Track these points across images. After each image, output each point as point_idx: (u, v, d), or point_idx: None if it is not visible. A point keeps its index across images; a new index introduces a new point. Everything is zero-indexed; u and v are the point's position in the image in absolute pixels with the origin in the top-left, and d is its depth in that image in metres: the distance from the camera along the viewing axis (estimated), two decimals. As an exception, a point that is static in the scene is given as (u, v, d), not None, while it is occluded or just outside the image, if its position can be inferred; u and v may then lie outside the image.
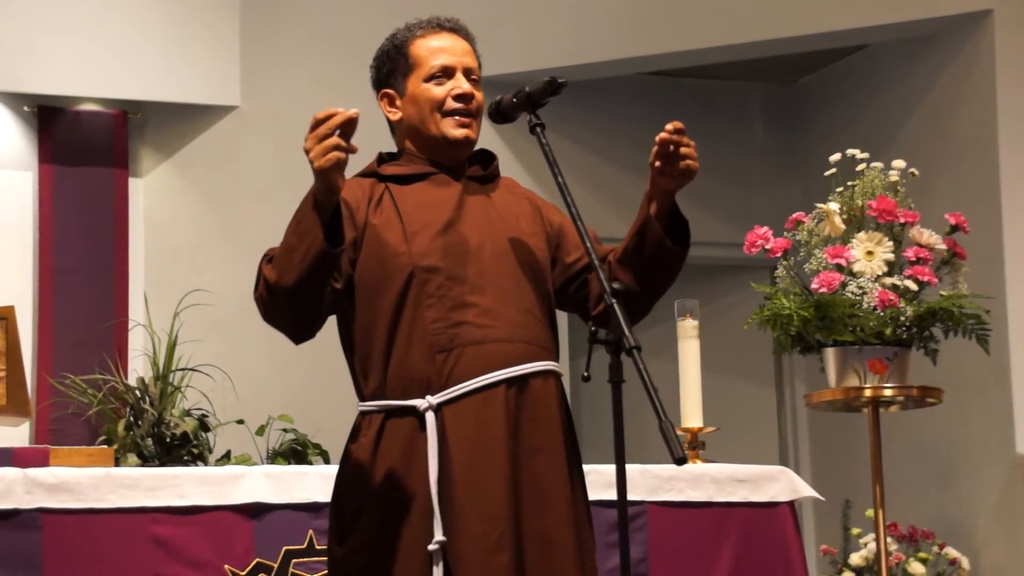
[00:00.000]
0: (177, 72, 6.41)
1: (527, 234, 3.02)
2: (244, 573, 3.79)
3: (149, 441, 4.42)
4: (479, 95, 3.04)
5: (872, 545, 5.63)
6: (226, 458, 4.70)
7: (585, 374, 2.67)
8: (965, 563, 5.78)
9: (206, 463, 4.49)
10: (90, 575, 3.68)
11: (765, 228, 4.65)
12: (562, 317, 3.16)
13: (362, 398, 2.96)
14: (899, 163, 4.73)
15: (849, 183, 4.70)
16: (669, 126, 2.89)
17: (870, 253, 4.55)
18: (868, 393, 4.54)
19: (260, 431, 4.92)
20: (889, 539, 5.65)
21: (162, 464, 4.33)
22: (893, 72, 6.84)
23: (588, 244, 2.83)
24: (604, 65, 6.65)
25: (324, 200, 2.74)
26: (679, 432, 4.30)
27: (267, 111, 6.49)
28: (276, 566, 3.82)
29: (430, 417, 2.86)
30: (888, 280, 4.53)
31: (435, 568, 2.81)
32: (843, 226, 4.61)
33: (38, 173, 6.25)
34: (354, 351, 2.97)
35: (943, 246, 4.62)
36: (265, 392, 5.77)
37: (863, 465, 5.09)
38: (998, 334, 5.19)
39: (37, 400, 5.85)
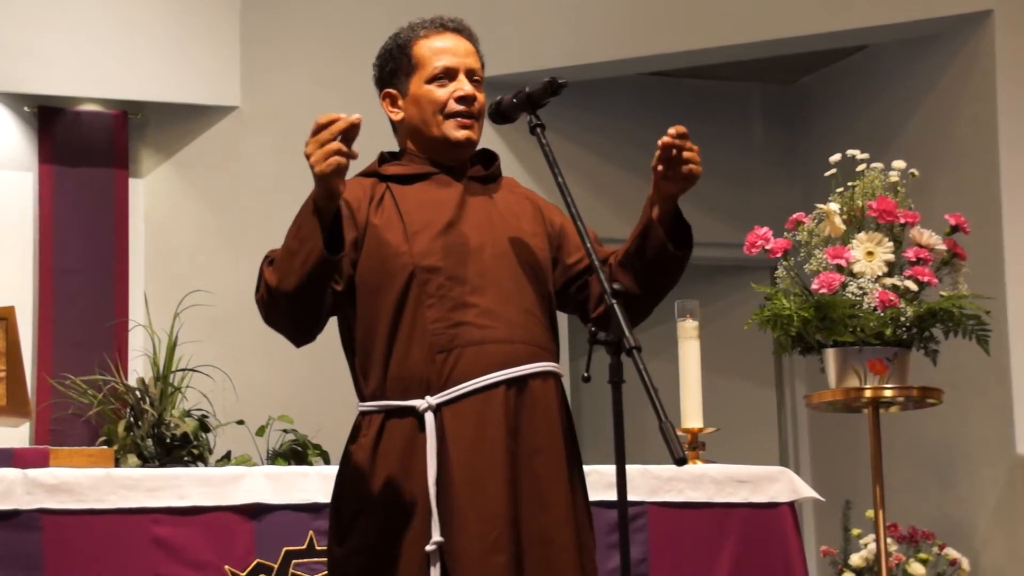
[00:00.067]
0: (177, 72, 6.41)
1: (528, 234, 3.02)
2: (244, 574, 3.79)
3: (149, 442, 4.41)
4: (481, 96, 3.04)
5: (872, 546, 5.63)
6: (226, 459, 4.70)
7: (585, 374, 2.68)
8: (965, 564, 5.78)
9: (206, 464, 4.49)
10: (90, 576, 3.69)
11: (765, 229, 4.65)
12: (562, 318, 3.16)
13: (362, 398, 2.96)
14: (899, 164, 4.74)
15: (849, 183, 4.70)
16: (672, 130, 2.88)
17: (870, 254, 4.55)
18: (868, 394, 4.54)
19: (260, 432, 4.92)
20: (889, 540, 5.65)
21: (162, 465, 4.33)
22: (893, 73, 6.84)
23: (588, 245, 2.83)
24: (604, 65, 6.65)
25: (324, 205, 2.74)
26: (679, 433, 4.30)
27: (267, 111, 6.49)
28: (276, 567, 3.81)
29: (429, 418, 2.86)
30: (888, 281, 4.53)
31: (432, 569, 2.81)
32: (843, 227, 4.61)
33: (38, 173, 6.25)
34: (354, 351, 2.97)
35: (943, 247, 4.63)
36: (265, 393, 5.76)
37: (863, 466, 5.10)
38: (998, 335, 5.19)
39: (37, 401, 5.85)
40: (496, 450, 2.85)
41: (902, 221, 4.61)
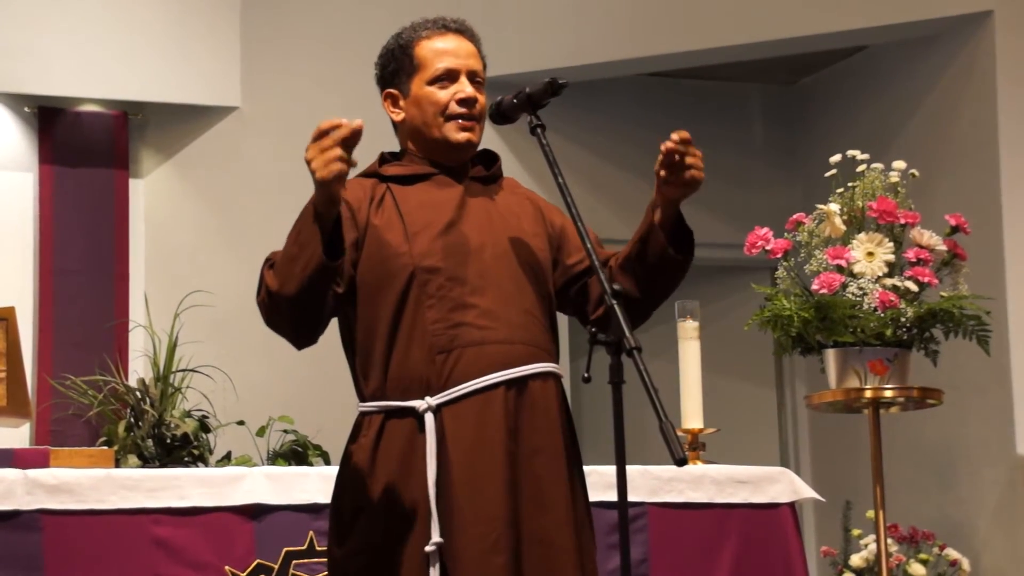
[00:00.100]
0: (177, 73, 6.41)
1: (528, 235, 3.02)
2: (244, 574, 3.79)
3: (149, 442, 4.41)
4: (482, 98, 3.04)
5: (872, 546, 5.63)
6: (226, 459, 4.70)
7: (585, 375, 2.68)
8: (965, 564, 5.78)
9: (206, 464, 4.49)
10: (90, 576, 3.69)
11: (765, 229, 4.65)
12: (563, 318, 3.16)
13: (362, 399, 2.96)
14: (899, 164, 4.73)
15: (849, 184, 4.70)
16: (675, 136, 2.87)
17: (870, 254, 4.55)
18: (868, 394, 4.54)
19: (260, 432, 4.92)
20: (889, 540, 5.65)
21: (162, 465, 4.33)
22: (893, 73, 6.84)
23: (589, 245, 2.82)
24: (604, 66, 6.65)
25: (325, 211, 2.74)
26: (679, 433, 4.29)
27: (268, 112, 6.49)
28: (276, 567, 3.81)
29: (429, 418, 2.86)
30: (888, 281, 4.53)
31: (432, 569, 2.81)
32: (843, 227, 4.61)
33: (38, 174, 6.25)
34: (355, 351, 2.97)
35: (943, 247, 4.62)
36: (265, 393, 5.76)
37: (863, 466, 5.09)
38: (998, 335, 5.19)
39: (37, 401, 5.85)
40: (496, 451, 2.85)
41: (902, 222, 4.61)
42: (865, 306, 4.48)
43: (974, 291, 4.64)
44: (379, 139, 3.11)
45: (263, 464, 4.69)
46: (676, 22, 6.54)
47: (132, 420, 4.49)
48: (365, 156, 3.09)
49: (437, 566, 2.81)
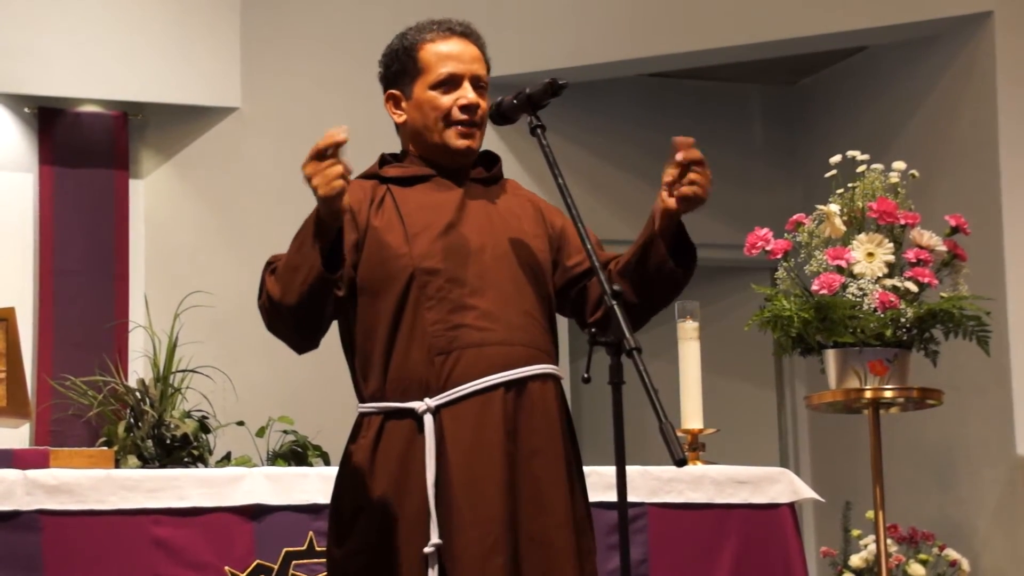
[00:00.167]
0: (177, 73, 6.41)
1: (529, 236, 3.02)
2: (244, 574, 3.79)
3: (149, 443, 4.41)
4: (484, 104, 3.03)
5: (872, 547, 5.62)
6: (226, 460, 4.70)
7: (585, 375, 2.68)
8: (965, 565, 5.78)
9: (206, 465, 4.49)
10: (90, 577, 3.69)
11: (766, 230, 4.65)
12: (563, 319, 3.15)
13: (362, 399, 2.96)
14: (899, 165, 4.73)
15: (849, 185, 4.70)
16: (680, 156, 2.83)
17: (870, 255, 4.55)
18: (868, 394, 4.54)
19: (260, 433, 4.92)
20: (889, 540, 5.65)
21: (162, 466, 4.33)
22: (894, 74, 6.84)
23: (589, 246, 2.82)
24: (604, 67, 6.65)
25: (328, 222, 2.76)
26: (679, 434, 4.29)
27: (268, 112, 6.49)
28: (276, 567, 3.81)
29: (428, 419, 2.86)
30: (888, 282, 4.53)
31: (431, 570, 2.81)
32: (843, 228, 4.61)
33: (38, 174, 6.25)
34: (354, 352, 2.97)
35: (943, 248, 4.62)
36: (265, 394, 5.76)
37: (863, 466, 5.09)
38: (998, 335, 5.19)
39: (37, 402, 5.84)
40: (494, 452, 2.85)
41: (902, 222, 4.61)
42: (865, 307, 4.48)
43: (974, 291, 4.64)
44: (379, 139, 3.11)
45: (263, 464, 4.69)
46: (676, 22, 6.54)
47: (132, 421, 4.49)
48: (365, 157, 3.10)
49: (436, 567, 2.81)
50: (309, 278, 2.75)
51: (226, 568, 3.78)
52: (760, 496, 4.24)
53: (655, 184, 2.92)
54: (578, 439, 3.04)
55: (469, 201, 3.01)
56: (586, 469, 3.06)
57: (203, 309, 5.24)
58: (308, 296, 2.77)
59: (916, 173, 4.76)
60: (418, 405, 2.87)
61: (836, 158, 4.73)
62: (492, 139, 3.74)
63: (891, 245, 4.57)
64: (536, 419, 2.90)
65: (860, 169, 4.71)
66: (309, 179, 2.71)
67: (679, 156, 2.85)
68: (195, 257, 6.37)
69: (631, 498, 4.04)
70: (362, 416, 2.94)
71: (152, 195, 6.44)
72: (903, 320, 4.48)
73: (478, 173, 3.09)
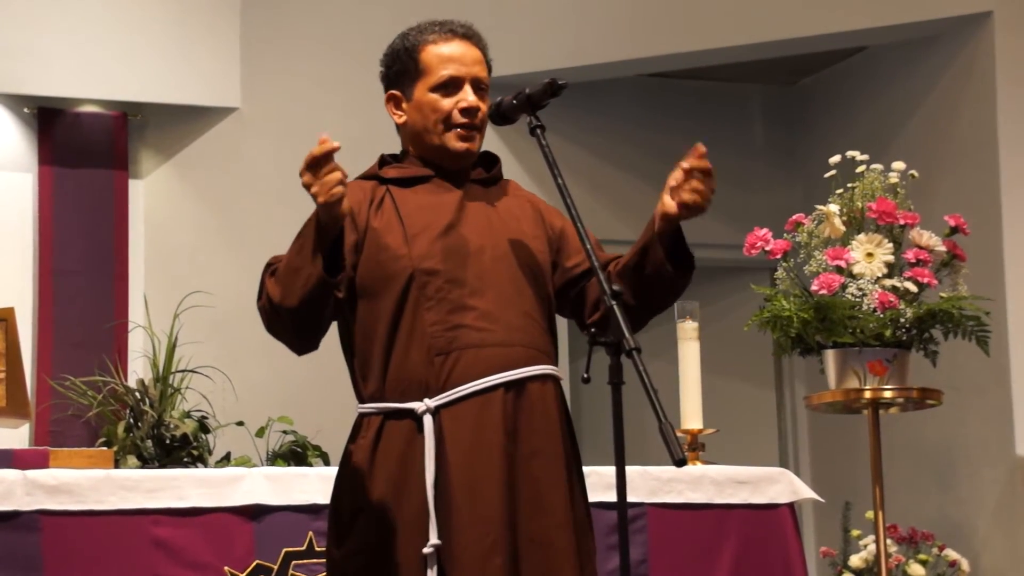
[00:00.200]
0: (177, 73, 6.40)
1: (528, 237, 3.02)
2: (244, 575, 3.79)
3: (149, 443, 4.41)
4: (484, 107, 3.03)
5: (872, 547, 5.62)
6: (226, 460, 4.70)
7: (585, 376, 2.67)
8: (965, 565, 5.78)
9: (206, 465, 4.49)
10: (90, 577, 3.69)
11: (765, 230, 4.65)
12: (562, 319, 3.15)
13: (361, 400, 2.96)
14: (899, 165, 4.74)
15: (849, 185, 4.70)
16: (685, 164, 2.82)
17: (870, 255, 4.55)
18: (868, 395, 4.54)
19: (260, 433, 4.92)
20: (889, 541, 5.65)
21: (162, 466, 4.33)
22: (893, 74, 6.84)
23: (588, 247, 2.82)
24: (604, 67, 6.65)
25: (329, 226, 2.76)
26: (679, 434, 4.29)
27: (267, 113, 6.48)
28: (276, 568, 3.81)
29: (427, 420, 2.86)
30: (888, 282, 4.53)
31: (430, 571, 2.81)
32: (843, 228, 4.61)
33: (38, 175, 6.25)
34: (354, 353, 2.97)
35: (943, 248, 4.63)
36: (265, 394, 5.76)
37: (863, 467, 5.09)
38: (998, 336, 5.19)
39: (37, 402, 5.84)
40: (494, 453, 2.85)
41: (902, 222, 4.61)
42: (864, 307, 4.48)
43: (973, 292, 4.64)
44: (378, 139, 3.11)
45: (262, 465, 4.69)
46: (676, 23, 6.54)
47: (131, 421, 4.49)
48: (365, 157, 3.10)
49: (435, 567, 2.81)
50: (309, 281, 2.76)
51: (226, 568, 3.78)
52: (760, 496, 4.24)
53: (655, 184, 2.92)
54: (578, 439, 3.04)
55: (468, 202, 3.01)
56: (586, 469, 3.06)
57: (203, 309, 5.24)
58: (308, 299, 2.78)
59: (915, 173, 4.76)
60: (417, 406, 2.87)
61: (836, 158, 4.73)
62: (492, 139, 3.75)
63: (890, 245, 4.57)
64: (536, 420, 2.90)
65: (859, 169, 4.71)
66: (308, 187, 2.72)
67: (687, 162, 2.84)
68: (195, 257, 6.37)
69: (631, 498, 4.04)
70: (361, 416, 2.94)
71: (152, 195, 6.44)
72: (902, 320, 4.48)
73: (478, 174, 3.09)
